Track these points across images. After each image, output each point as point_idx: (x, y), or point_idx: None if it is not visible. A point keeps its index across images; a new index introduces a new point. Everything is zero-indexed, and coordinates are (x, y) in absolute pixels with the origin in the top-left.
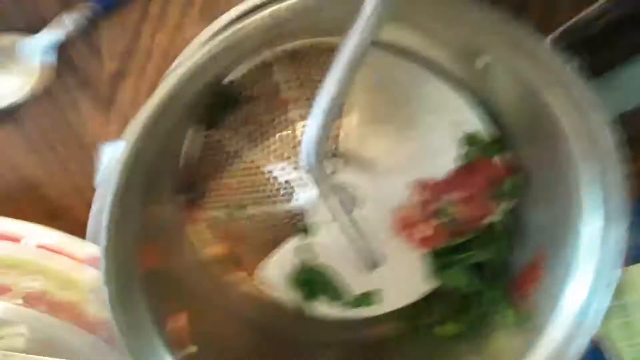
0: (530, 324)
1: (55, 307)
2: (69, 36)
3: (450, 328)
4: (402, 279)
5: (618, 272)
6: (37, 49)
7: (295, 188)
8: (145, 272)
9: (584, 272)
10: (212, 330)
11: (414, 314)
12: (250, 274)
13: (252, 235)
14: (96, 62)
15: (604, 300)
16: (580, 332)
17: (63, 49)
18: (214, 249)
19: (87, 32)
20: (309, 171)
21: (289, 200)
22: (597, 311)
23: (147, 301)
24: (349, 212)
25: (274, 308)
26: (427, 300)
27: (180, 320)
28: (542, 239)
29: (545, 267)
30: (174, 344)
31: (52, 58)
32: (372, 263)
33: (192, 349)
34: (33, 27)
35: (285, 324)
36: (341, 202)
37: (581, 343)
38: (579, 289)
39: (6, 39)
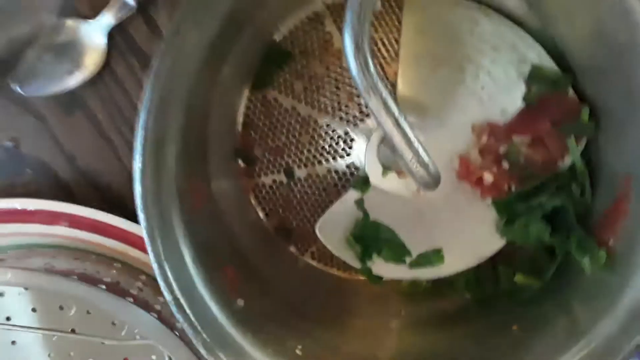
0: (623, 261)
1: None
2: (128, 16)
3: (529, 281)
4: (466, 236)
5: None
6: (99, 31)
7: (354, 138)
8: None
9: None
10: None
11: (479, 282)
12: (301, 251)
13: (306, 203)
14: (157, 40)
15: None
16: None
17: (124, 30)
18: (267, 221)
19: (145, 10)
20: (356, 72)
21: (347, 154)
22: None
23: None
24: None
25: (327, 278)
26: (493, 266)
27: (229, 273)
28: (623, 175)
29: (631, 200)
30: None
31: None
32: (431, 183)
33: (240, 302)
34: (95, 10)
35: (340, 293)
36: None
37: None
38: None
39: (69, 24)
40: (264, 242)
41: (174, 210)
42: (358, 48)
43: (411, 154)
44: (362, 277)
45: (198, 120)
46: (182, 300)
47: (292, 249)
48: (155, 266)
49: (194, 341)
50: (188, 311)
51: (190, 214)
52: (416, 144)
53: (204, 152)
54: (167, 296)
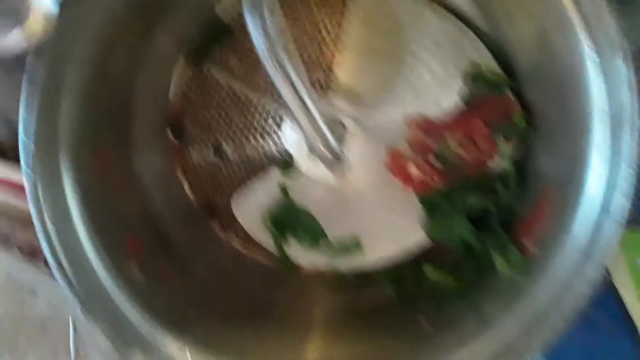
0: (537, 265)
1: None
2: None
3: (447, 281)
4: (389, 229)
5: (626, 203)
6: None
7: (284, 119)
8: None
9: (591, 205)
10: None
11: (402, 279)
12: (228, 235)
13: (233, 183)
14: None
15: (613, 229)
16: (589, 263)
17: None
18: (193, 199)
19: None
20: (254, 28)
21: (276, 135)
22: (607, 241)
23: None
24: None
25: (252, 264)
26: (417, 264)
27: (131, 244)
28: (547, 182)
29: (551, 206)
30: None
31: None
32: (331, 160)
33: (138, 275)
34: None
35: (265, 282)
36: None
37: (590, 275)
38: (586, 223)
39: None
40: (188, 221)
41: (68, 173)
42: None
43: (309, 124)
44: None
45: (115, 83)
46: (65, 265)
47: (219, 232)
48: (36, 223)
49: (77, 307)
50: (70, 276)
51: (92, 180)
52: (315, 115)
53: (125, 119)
54: (49, 258)
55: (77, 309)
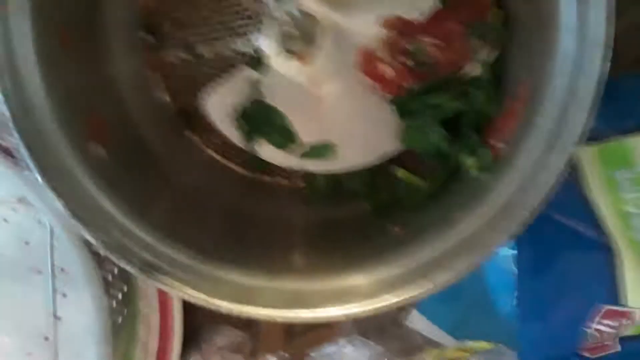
0: (503, 162)
1: None
2: None
3: (419, 183)
4: (363, 133)
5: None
6: None
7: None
8: None
9: (558, 93)
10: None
11: (376, 187)
12: (204, 142)
13: (206, 80)
14: None
15: (579, 116)
16: (554, 153)
17: None
18: (170, 102)
19: None
20: None
21: (254, 32)
22: (573, 128)
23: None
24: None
25: (228, 174)
26: (390, 172)
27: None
28: (519, 81)
29: (523, 103)
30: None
31: None
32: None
33: (101, 151)
34: None
35: (243, 194)
36: None
37: (555, 165)
38: (551, 112)
39: None
40: (164, 125)
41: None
42: None
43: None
44: (265, 178)
45: None
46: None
47: (195, 137)
48: None
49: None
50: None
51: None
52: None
53: (93, 17)
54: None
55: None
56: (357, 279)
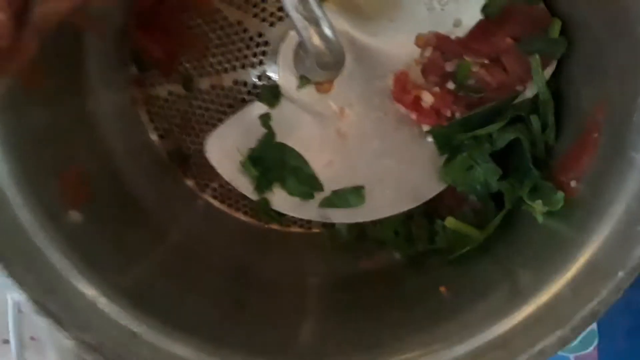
0: (584, 209)
1: None
2: None
3: (464, 229)
4: (396, 174)
5: None
6: None
7: (269, 42)
8: None
9: None
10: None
11: (410, 237)
12: (200, 186)
13: (207, 123)
14: None
15: None
16: None
17: None
18: (159, 143)
19: None
20: None
21: (259, 62)
22: None
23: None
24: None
25: (231, 223)
26: (428, 218)
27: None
28: (592, 103)
29: (602, 130)
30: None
31: None
32: (330, 62)
33: (75, 216)
34: None
35: (248, 246)
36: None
37: None
38: None
39: None
40: (155, 172)
41: None
42: None
43: (304, 15)
44: (274, 226)
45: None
46: None
47: (190, 182)
48: None
49: None
50: None
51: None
52: (314, 5)
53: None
54: None
55: None
56: None
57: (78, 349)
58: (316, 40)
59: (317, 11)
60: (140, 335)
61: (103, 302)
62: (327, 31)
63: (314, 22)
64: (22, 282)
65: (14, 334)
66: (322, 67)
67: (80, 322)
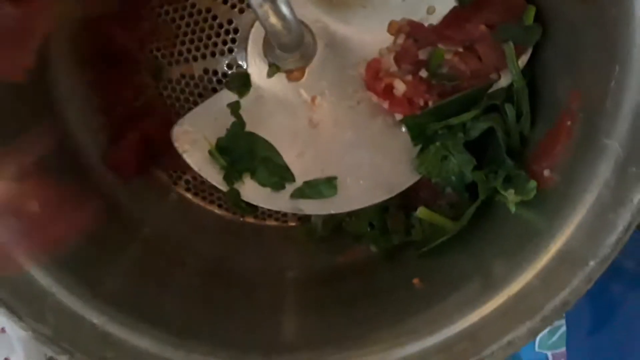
0: (556, 198)
1: None
2: None
3: (436, 219)
4: (370, 164)
5: None
6: None
7: (239, 29)
8: None
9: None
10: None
11: (385, 230)
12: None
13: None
14: None
15: None
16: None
17: None
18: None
19: None
20: None
21: (229, 50)
22: None
23: None
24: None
25: (205, 217)
26: (402, 209)
27: None
28: (567, 92)
29: (576, 119)
30: None
31: None
32: (287, 41)
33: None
34: None
35: (222, 241)
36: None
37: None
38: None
39: None
40: None
41: None
42: None
43: (276, 19)
44: (249, 219)
45: None
46: None
47: (162, 175)
48: None
49: None
50: None
51: None
52: (284, 9)
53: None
54: None
55: None
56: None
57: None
58: (273, 19)
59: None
60: (101, 327)
61: (60, 292)
62: (284, 9)
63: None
64: None
65: None
66: (282, 48)
67: (34, 312)
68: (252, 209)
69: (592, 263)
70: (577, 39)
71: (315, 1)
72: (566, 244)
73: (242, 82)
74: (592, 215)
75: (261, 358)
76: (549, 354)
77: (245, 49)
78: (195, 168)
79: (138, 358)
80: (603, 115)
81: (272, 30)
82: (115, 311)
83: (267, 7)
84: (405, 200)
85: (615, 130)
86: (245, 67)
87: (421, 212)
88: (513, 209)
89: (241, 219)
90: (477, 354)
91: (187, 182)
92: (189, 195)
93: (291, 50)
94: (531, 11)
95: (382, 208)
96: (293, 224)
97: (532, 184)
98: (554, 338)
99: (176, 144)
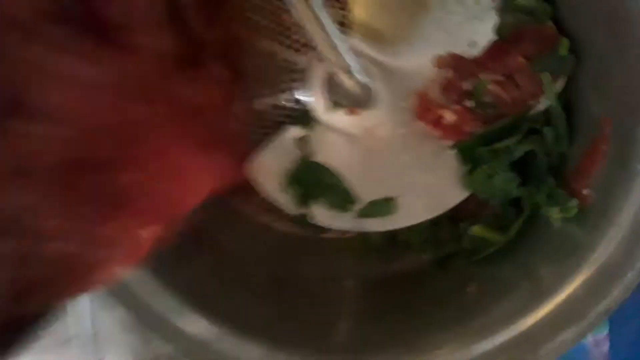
0: (597, 213)
1: None
2: None
3: (488, 235)
4: (423, 185)
5: None
6: None
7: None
8: None
9: None
10: None
11: (438, 240)
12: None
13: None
14: None
15: None
16: None
17: None
18: None
19: None
20: None
21: (290, 88)
22: None
23: None
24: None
25: (273, 234)
26: (454, 222)
27: None
28: (600, 118)
29: (609, 143)
30: None
31: None
32: (361, 97)
33: None
34: None
35: (288, 254)
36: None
37: None
38: None
39: None
40: None
41: None
42: None
43: (331, 52)
44: (309, 234)
45: None
46: None
47: (235, 201)
48: None
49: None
50: None
51: None
52: (342, 48)
53: None
54: None
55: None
56: None
57: None
58: (349, 83)
59: (351, 61)
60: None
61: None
62: (359, 77)
63: (347, 71)
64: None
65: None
66: (354, 103)
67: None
68: (318, 227)
69: (629, 275)
70: (606, 68)
71: (368, 41)
72: (606, 257)
73: (306, 117)
74: (628, 232)
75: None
76: (591, 337)
77: (308, 88)
78: (269, 198)
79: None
80: (633, 141)
81: (348, 91)
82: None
83: (344, 76)
84: (454, 212)
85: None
86: (307, 103)
87: (475, 230)
88: (556, 224)
89: (304, 234)
90: (534, 353)
91: (257, 204)
92: (257, 215)
93: (362, 105)
94: (565, 43)
95: (434, 220)
96: (351, 235)
97: (573, 202)
98: None
99: (253, 177)
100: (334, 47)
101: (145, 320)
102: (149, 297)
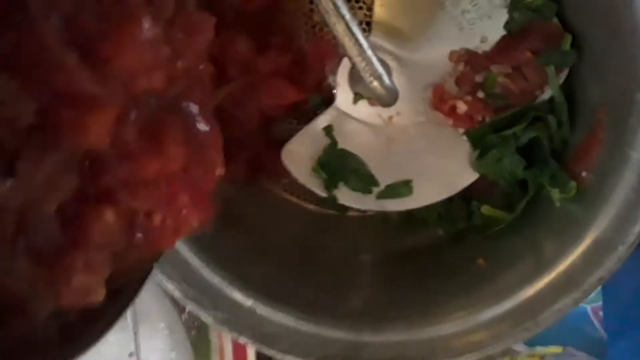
0: (592, 194)
1: None
2: None
3: (496, 214)
4: (437, 168)
5: None
6: None
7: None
8: None
9: None
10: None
11: (451, 217)
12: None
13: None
14: None
15: None
16: None
17: None
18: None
19: None
20: None
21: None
22: None
23: None
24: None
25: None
26: (466, 201)
27: None
28: (598, 107)
29: (605, 130)
30: None
31: None
32: (385, 97)
33: None
34: None
35: (312, 229)
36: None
37: None
38: None
39: None
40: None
41: None
42: None
43: (363, 62)
44: (333, 212)
45: None
46: None
47: (264, 182)
48: None
49: None
50: None
51: None
52: (369, 53)
53: None
54: None
55: None
56: (447, 328)
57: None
58: (377, 86)
59: (379, 69)
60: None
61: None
62: (387, 82)
63: (377, 77)
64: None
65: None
66: (381, 102)
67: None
68: (342, 206)
69: (620, 248)
70: (603, 62)
71: (389, 38)
72: (600, 232)
73: (333, 109)
74: (620, 210)
75: (333, 321)
76: (588, 307)
77: (334, 82)
78: (302, 181)
79: (285, 332)
80: (626, 128)
81: (377, 94)
82: (264, 299)
83: (375, 83)
84: (466, 192)
85: (637, 143)
86: (335, 95)
87: (485, 209)
88: (558, 203)
89: (329, 212)
90: (533, 318)
91: (284, 185)
92: (285, 195)
93: (388, 104)
94: (568, 38)
95: (447, 199)
96: (372, 214)
97: (573, 184)
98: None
99: (285, 162)
100: (366, 58)
101: (189, 293)
102: (194, 272)
